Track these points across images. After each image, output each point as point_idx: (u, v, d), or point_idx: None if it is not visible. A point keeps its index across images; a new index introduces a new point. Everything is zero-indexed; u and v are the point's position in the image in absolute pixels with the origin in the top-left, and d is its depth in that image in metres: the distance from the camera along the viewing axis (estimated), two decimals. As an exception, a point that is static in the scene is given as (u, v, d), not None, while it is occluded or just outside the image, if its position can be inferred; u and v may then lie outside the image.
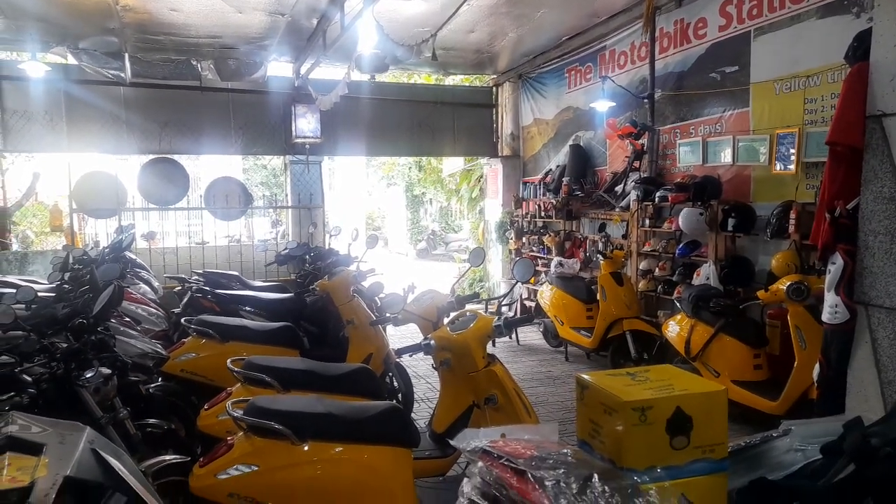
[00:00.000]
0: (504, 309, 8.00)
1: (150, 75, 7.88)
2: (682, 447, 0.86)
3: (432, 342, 2.89)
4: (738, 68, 5.67)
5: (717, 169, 5.88)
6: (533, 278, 8.43)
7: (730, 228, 5.41)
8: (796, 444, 1.07)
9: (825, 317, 2.93)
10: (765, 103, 5.38)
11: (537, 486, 0.70)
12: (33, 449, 0.71)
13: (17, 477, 0.66)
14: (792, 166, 5.07)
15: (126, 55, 7.21)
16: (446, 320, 3.19)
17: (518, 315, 8.38)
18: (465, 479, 0.83)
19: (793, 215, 4.73)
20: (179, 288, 5.97)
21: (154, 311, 5.44)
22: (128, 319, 4.59)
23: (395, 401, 4.48)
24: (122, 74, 7.39)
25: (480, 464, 0.81)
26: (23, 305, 3.47)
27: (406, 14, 6.47)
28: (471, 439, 0.82)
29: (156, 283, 6.74)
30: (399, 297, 3.34)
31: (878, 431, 0.99)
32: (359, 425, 2.62)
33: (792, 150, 5.05)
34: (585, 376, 0.92)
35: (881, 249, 2.54)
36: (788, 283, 4.23)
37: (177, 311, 5.49)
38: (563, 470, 0.72)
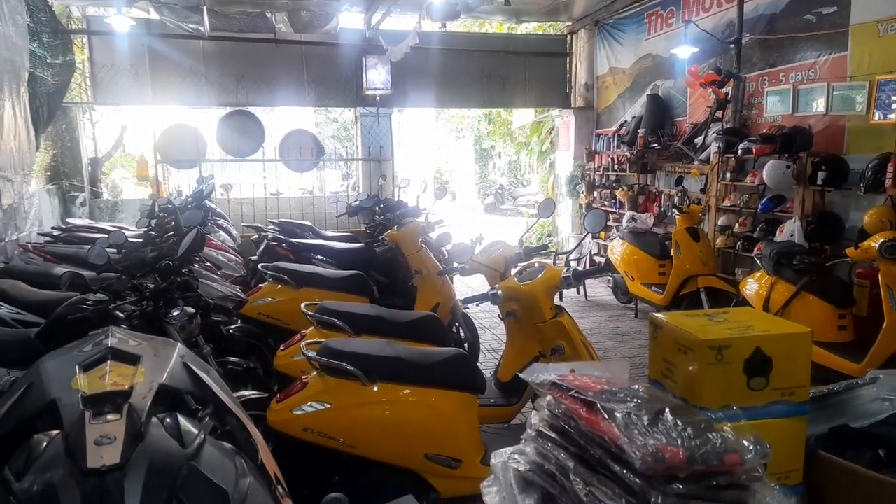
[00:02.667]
0: (573, 263, 7.91)
1: (227, 28, 8.04)
2: (760, 388, 0.83)
3: (499, 292, 2.89)
4: (837, 9, 5.23)
5: (807, 119, 5.51)
6: (603, 233, 8.27)
7: (819, 182, 5.09)
8: (883, 394, 1.01)
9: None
10: (865, 47, 4.96)
11: (607, 417, 0.69)
12: (131, 359, 0.76)
13: (118, 382, 0.71)
14: (893, 115, 4.68)
15: (204, 8, 7.36)
16: (514, 271, 3.18)
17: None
18: (534, 412, 0.84)
19: (890, 168, 4.40)
20: (256, 237, 6.22)
21: (233, 257, 5.69)
22: (209, 265, 4.83)
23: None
24: (201, 28, 7.57)
25: (549, 397, 0.80)
26: (114, 249, 3.70)
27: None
28: (540, 373, 0.82)
29: (234, 232, 7.03)
30: (467, 246, 3.34)
31: None
32: (426, 369, 2.68)
33: (894, 98, 4.66)
34: (660, 315, 0.90)
35: None
36: (882, 240, 3.96)
37: (254, 258, 5.72)
38: (634, 403, 0.71)
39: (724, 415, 0.70)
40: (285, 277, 4.29)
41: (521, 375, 0.88)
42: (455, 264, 3.43)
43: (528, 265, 3.08)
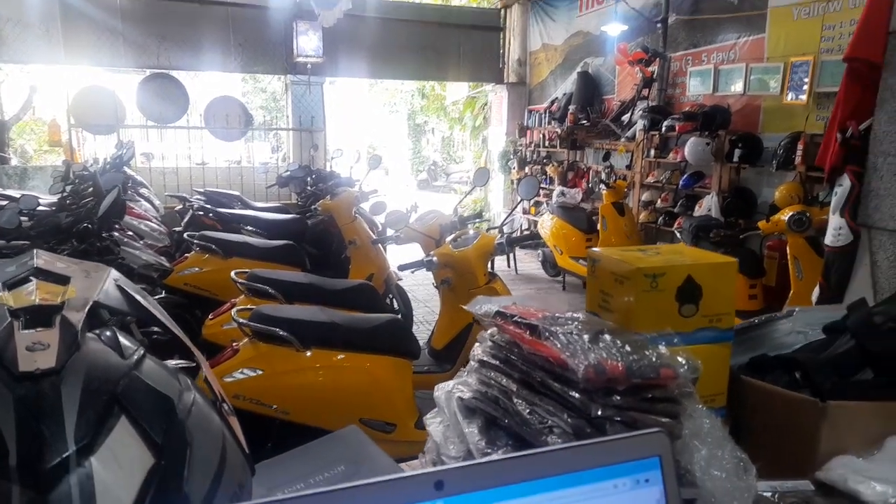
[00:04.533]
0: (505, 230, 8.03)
1: (146, -14, 7.60)
2: (690, 315, 0.88)
3: (434, 258, 2.91)
4: (757, -8, 5.48)
5: (727, 98, 5.77)
6: (533, 208, 8.43)
7: (736, 159, 5.36)
8: (798, 327, 1.10)
9: (828, 239, 2.95)
10: (781, 29, 5.22)
11: (549, 338, 0.72)
12: (60, 279, 0.72)
13: (47, 298, 0.67)
14: (804, 96, 4.97)
15: (121, -37, 6.92)
16: (448, 238, 3.21)
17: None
18: (476, 344, 0.86)
19: (800, 146, 4.69)
20: (181, 206, 5.97)
21: (156, 227, 5.44)
22: (130, 234, 4.60)
23: (395, 319, 4.56)
24: (117, -16, 7.12)
25: (492, 329, 0.83)
26: (25, 217, 3.47)
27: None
28: (483, 304, 0.84)
29: (156, 202, 6.72)
30: (403, 214, 3.33)
31: (881, 311, 1.01)
32: (361, 334, 2.68)
33: (805, 80, 4.94)
34: (597, 249, 0.94)
35: (889, 171, 2.53)
36: (790, 214, 4.24)
37: (178, 229, 5.50)
38: (574, 326, 0.74)
39: (658, 339, 0.75)
40: (213, 247, 4.16)
41: (465, 307, 0.90)
42: (390, 232, 3.42)
43: (463, 233, 3.11)
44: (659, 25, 6.56)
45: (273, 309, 2.74)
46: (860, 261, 2.63)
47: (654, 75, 6.63)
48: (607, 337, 0.72)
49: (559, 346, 0.69)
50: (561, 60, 8.64)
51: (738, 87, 5.65)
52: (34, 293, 0.67)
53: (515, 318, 0.78)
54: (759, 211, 5.31)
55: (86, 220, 2.80)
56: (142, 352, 0.69)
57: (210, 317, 3.35)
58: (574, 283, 7.06)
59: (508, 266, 7.85)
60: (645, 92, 6.74)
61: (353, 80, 11.70)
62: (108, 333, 0.70)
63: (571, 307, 0.79)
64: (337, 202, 4.80)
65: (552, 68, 8.88)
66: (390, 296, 4.85)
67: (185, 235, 4.41)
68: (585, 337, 0.71)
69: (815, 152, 4.52)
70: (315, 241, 5.35)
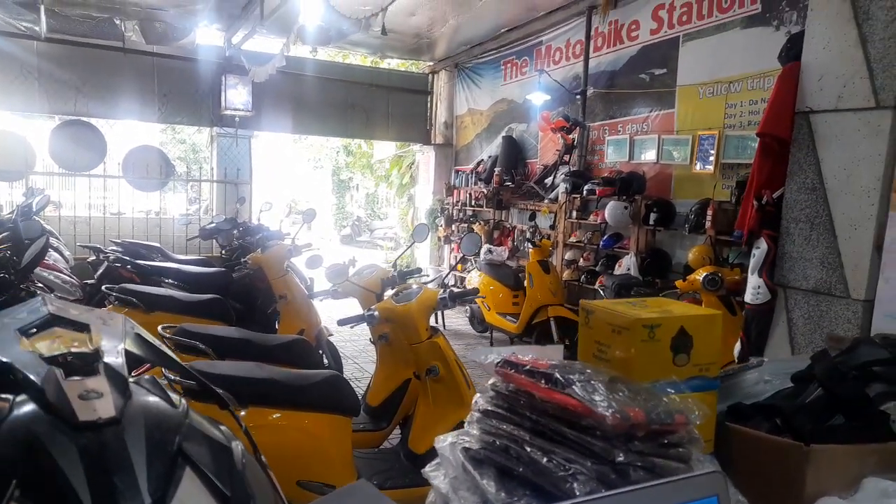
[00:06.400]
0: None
1: (67, 31, 7.37)
2: (682, 364, 0.94)
3: (376, 313, 2.90)
4: (666, 71, 5.97)
5: (641, 166, 6.18)
6: (461, 265, 8.56)
7: (651, 223, 5.70)
8: (765, 377, 1.19)
9: (748, 297, 3.18)
10: (689, 106, 5.70)
11: (567, 386, 0.75)
12: (79, 326, 0.68)
13: (78, 346, 0.64)
14: (711, 167, 5.40)
15: (41, 7, 6.69)
16: (388, 293, 3.21)
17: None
18: (477, 395, 0.88)
19: (710, 212, 5.05)
20: (94, 258, 5.65)
21: (67, 278, 5.15)
22: (41, 285, 4.31)
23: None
24: (37, 28, 6.87)
25: (493, 379, 0.85)
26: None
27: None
28: (487, 354, 0.87)
29: (66, 252, 6.35)
30: (342, 267, 3.32)
31: (842, 361, 1.12)
32: (300, 391, 2.60)
33: (712, 152, 5.38)
34: (590, 301, 0.99)
35: (801, 236, 2.79)
36: (704, 274, 4.52)
37: (90, 281, 5.21)
38: (585, 375, 0.77)
39: (661, 387, 0.80)
40: (134, 300, 3.95)
41: (469, 356, 0.92)
42: (328, 286, 3.39)
43: (404, 287, 3.13)
44: (578, 97, 7.01)
45: (207, 365, 2.63)
46: (778, 318, 2.86)
47: (575, 142, 7.03)
48: (620, 385, 0.76)
49: (581, 394, 0.73)
50: (486, 124, 9.01)
51: (651, 155, 6.08)
52: (61, 340, 0.64)
53: (528, 368, 0.81)
54: (674, 271, 5.64)
55: (3, 269, 2.61)
56: (185, 400, 0.66)
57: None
58: (501, 339, 7.15)
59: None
60: (566, 157, 7.11)
61: (278, 134, 11.67)
62: (148, 381, 0.68)
63: (564, 358, 0.83)
64: (268, 255, 4.70)
65: (478, 131, 9.23)
66: (320, 351, 4.75)
67: (102, 288, 4.17)
68: (601, 386, 0.75)
69: (724, 218, 4.93)
70: (240, 295, 5.19)
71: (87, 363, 0.61)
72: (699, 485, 0.52)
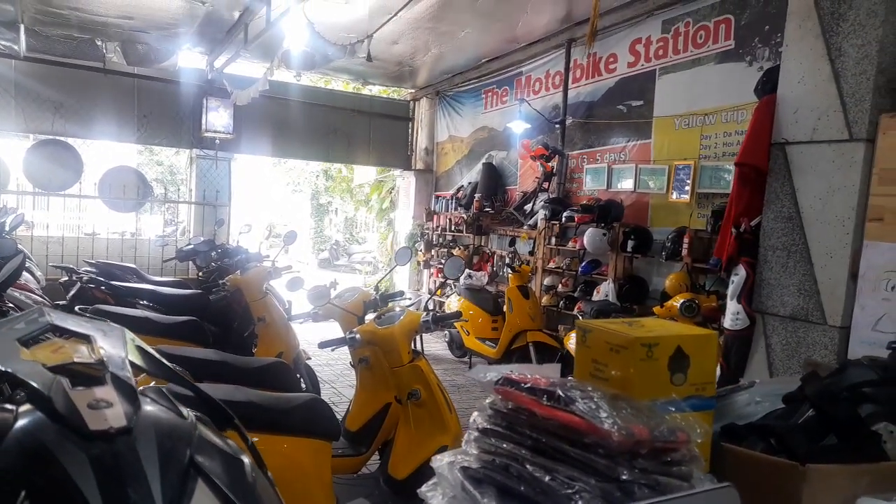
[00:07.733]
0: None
1: (47, 51, 7.32)
2: (679, 384, 0.95)
3: (358, 336, 2.89)
4: (643, 103, 6.12)
5: (619, 194, 6.28)
6: (440, 290, 8.55)
7: (629, 250, 5.78)
8: (756, 398, 1.21)
9: (727, 323, 3.22)
10: (665, 137, 5.83)
11: (569, 404, 0.75)
12: (80, 336, 0.67)
13: (82, 356, 0.62)
14: (686, 196, 5.51)
15: (21, 26, 6.64)
16: (370, 316, 3.20)
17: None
18: (476, 413, 0.87)
19: (686, 240, 5.14)
20: (66, 279, 5.54)
21: (38, 299, 5.02)
22: (11, 305, 4.20)
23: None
24: (16, 47, 6.81)
25: (490, 397, 0.85)
26: None
27: (332, 20, 6.44)
28: (486, 372, 0.87)
29: (38, 273, 6.21)
30: (324, 289, 3.30)
31: (833, 382, 1.14)
32: (281, 415, 2.56)
33: (687, 181, 5.50)
34: (588, 321, 1.00)
35: (778, 263, 2.86)
36: (682, 301, 4.59)
37: (62, 302, 5.09)
38: (586, 392, 0.78)
39: (661, 406, 0.80)
40: (108, 322, 3.87)
41: (468, 374, 0.92)
42: (313, 308, 3.36)
43: (387, 310, 3.12)
44: (558, 126, 7.13)
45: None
46: (756, 344, 2.91)
47: (554, 170, 7.13)
48: (621, 403, 0.77)
49: (585, 411, 0.73)
50: (467, 151, 9.10)
51: (629, 184, 6.19)
52: (64, 350, 0.62)
53: (528, 386, 0.81)
54: (652, 297, 5.70)
55: (-25, 288, 2.55)
56: (192, 411, 0.65)
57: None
58: (479, 363, 7.11)
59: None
60: (546, 184, 7.20)
61: (256, 157, 11.65)
62: (155, 391, 0.66)
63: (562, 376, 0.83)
64: (247, 278, 4.66)
65: (458, 158, 9.32)
66: (298, 375, 4.68)
67: (75, 309, 4.07)
68: (603, 403, 0.75)
69: (700, 246, 5.02)
70: (216, 317, 5.11)
71: (95, 373, 0.60)
72: (712, 499, 0.52)
